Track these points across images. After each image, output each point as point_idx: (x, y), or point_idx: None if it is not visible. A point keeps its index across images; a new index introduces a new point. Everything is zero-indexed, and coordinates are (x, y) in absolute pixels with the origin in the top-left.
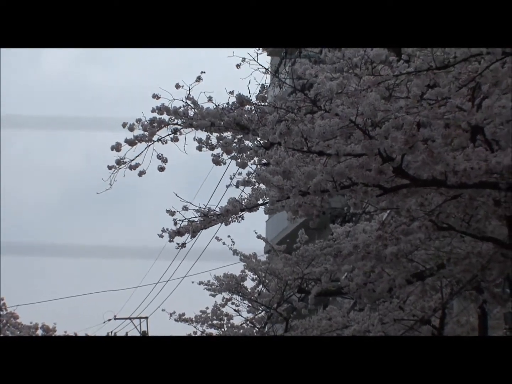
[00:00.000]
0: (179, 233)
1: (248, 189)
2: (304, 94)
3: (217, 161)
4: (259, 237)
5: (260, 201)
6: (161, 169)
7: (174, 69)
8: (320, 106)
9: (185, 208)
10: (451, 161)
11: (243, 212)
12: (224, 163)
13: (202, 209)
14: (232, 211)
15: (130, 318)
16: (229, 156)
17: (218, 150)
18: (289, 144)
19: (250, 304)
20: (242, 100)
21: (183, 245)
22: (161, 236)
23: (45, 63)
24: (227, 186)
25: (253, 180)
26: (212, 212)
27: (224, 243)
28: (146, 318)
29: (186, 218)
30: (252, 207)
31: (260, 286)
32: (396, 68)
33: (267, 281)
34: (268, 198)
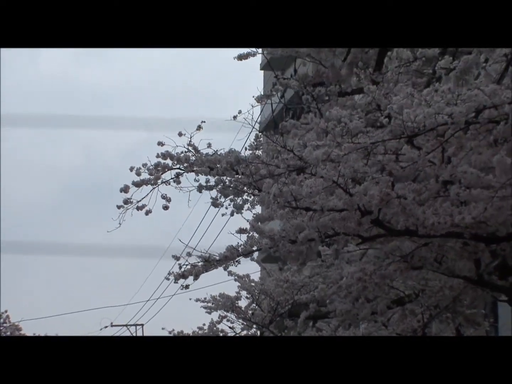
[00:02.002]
0: (183, 276)
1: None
2: (294, 154)
3: (215, 203)
4: (252, 259)
5: (255, 248)
6: (165, 207)
7: (169, 63)
8: (308, 170)
9: (189, 254)
10: (421, 215)
11: (239, 257)
12: (222, 205)
13: (203, 253)
14: (230, 257)
15: (126, 325)
16: (226, 199)
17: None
18: (281, 203)
19: (244, 323)
20: (238, 159)
21: (187, 286)
22: (167, 278)
23: (42, 61)
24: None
25: (248, 228)
26: (212, 258)
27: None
28: (142, 325)
29: (189, 263)
30: (247, 253)
31: (254, 305)
32: (372, 136)
33: (260, 299)
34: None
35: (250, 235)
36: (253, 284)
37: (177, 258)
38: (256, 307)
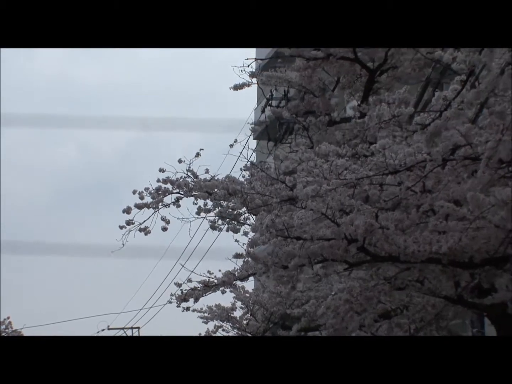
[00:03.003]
0: (185, 299)
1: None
2: (286, 185)
3: (213, 226)
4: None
5: (250, 272)
6: (164, 229)
7: (166, 61)
8: (298, 204)
9: (189, 280)
10: (402, 244)
11: (235, 281)
12: (220, 229)
13: (204, 276)
14: (227, 282)
15: (123, 328)
16: (223, 222)
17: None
18: (273, 234)
19: (239, 332)
20: (235, 190)
21: (188, 308)
22: (170, 302)
23: (37, 60)
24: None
25: (244, 253)
26: (211, 283)
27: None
28: (138, 328)
29: (190, 289)
30: (243, 278)
31: (248, 315)
32: (358, 171)
33: (254, 310)
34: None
35: (245, 260)
36: (247, 295)
37: (179, 285)
38: (251, 317)
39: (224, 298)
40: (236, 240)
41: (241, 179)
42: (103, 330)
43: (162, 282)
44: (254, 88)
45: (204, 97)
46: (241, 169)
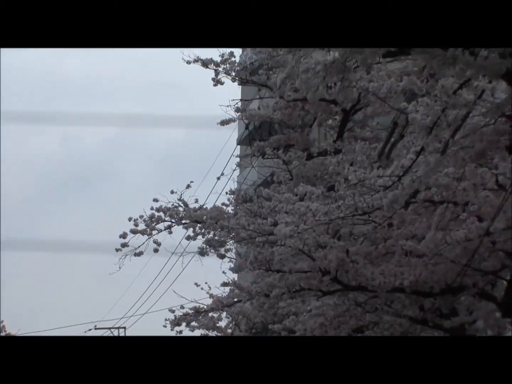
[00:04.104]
0: (178, 324)
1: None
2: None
3: (202, 253)
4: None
5: (236, 299)
6: (156, 250)
7: (149, 57)
8: (278, 242)
9: (182, 307)
10: (370, 276)
11: (224, 307)
12: (208, 255)
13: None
14: (215, 308)
15: (110, 328)
16: (211, 248)
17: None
18: (256, 267)
19: None
20: (222, 226)
21: (181, 332)
22: (164, 326)
23: (21, 55)
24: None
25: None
26: (202, 309)
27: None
28: (125, 328)
29: (183, 314)
30: (230, 305)
31: (233, 323)
32: (330, 214)
33: (238, 320)
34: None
35: (232, 288)
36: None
37: (172, 311)
38: (235, 326)
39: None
40: (224, 272)
41: (227, 202)
42: (90, 330)
43: (152, 282)
44: (235, 85)
45: (186, 92)
46: (227, 192)
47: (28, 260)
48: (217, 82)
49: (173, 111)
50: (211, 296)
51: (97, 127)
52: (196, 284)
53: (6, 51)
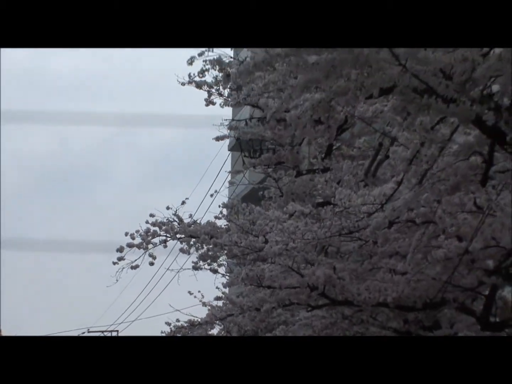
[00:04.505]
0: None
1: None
2: (257, 236)
3: (196, 267)
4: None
5: (229, 313)
6: (151, 263)
7: (143, 55)
8: (268, 259)
9: (178, 320)
10: (355, 292)
11: (217, 321)
12: (201, 269)
13: (191, 316)
14: (209, 322)
15: (102, 332)
16: (204, 263)
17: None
18: (247, 284)
19: None
20: (216, 244)
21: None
22: (162, 332)
23: (11, 53)
24: None
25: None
26: (196, 322)
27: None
28: (117, 331)
29: (178, 327)
30: (223, 318)
31: (225, 331)
32: (318, 233)
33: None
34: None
35: (224, 302)
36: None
37: (168, 324)
38: (227, 334)
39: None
40: (217, 287)
41: (220, 215)
42: (83, 333)
43: (143, 289)
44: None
45: (180, 92)
46: (219, 206)
47: (22, 260)
48: (209, 102)
49: (167, 111)
50: (204, 304)
51: (91, 126)
52: (189, 292)
53: None
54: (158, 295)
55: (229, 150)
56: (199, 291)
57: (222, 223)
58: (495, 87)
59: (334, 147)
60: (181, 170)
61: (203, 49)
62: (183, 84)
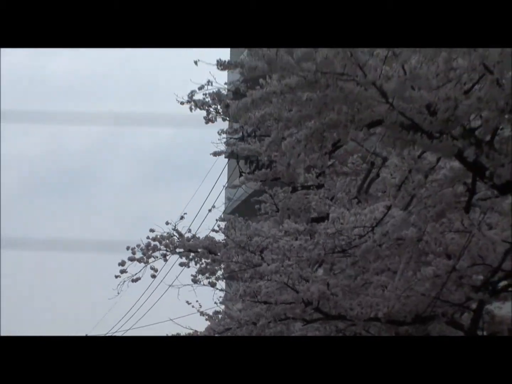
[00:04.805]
0: None
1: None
2: (254, 253)
3: (194, 280)
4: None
5: (227, 327)
6: (153, 276)
7: (137, 55)
8: (265, 278)
9: (178, 334)
10: (348, 307)
11: (215, 335)
12: (200, 282)
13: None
14: (208, 336)
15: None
16: (204, 276)
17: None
18: (245, 300)
19: None
20: (214, 259)
21: None
22: None
23: (6, 54)
24: None
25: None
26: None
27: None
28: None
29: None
30: (222, 332)
31: None
32: (312, 251)
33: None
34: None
35: (222, 316)
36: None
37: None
38: None
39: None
40: (215, 303)
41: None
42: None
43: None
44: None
45: (173, 91)
46: (216, 220)
47: (21, 259)
48: (208, 120)
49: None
50: (201, 314)
51: (89, 126)
52: (187, 302)
53: None
54: (154, 303)
55: (225, 157)
56: (196, 301)
57: (220, 237)
58: (477, 122)
59: (327, 165)
60: (179, 170)
61: (203, 83)
62: (182, 103)
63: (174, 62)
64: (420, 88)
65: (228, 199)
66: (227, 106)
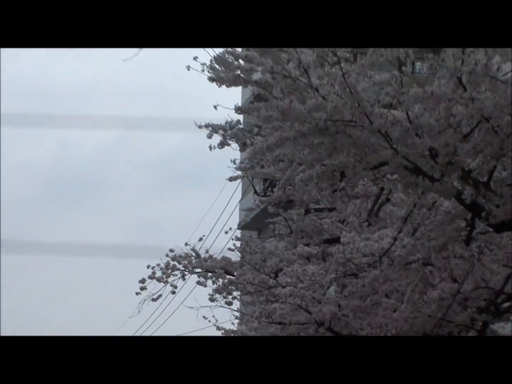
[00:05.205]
0: None
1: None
2: (269, 275)
3: (211, 299)
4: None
5: None
6: (173, 292)
7: (148, 59)
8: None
9: None
10: (359, 327)
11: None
12: (216, 300)
13: None
14: None
15: None
16: (220, 295)
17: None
18: (260, 322)
19: None
20: (230, 282)
21: None
22: None
23: (16, 59)
24: None
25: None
26: None
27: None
28: None
29: None
30: None
31: None
32: (324, 275)
33: None
34: None
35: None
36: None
37: None
38: None
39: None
40: (232, 323)
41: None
42: None
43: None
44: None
45: (187, 96)
46: (232, 239)
47: (26, 263)
48: (223, 144)
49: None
50: (218, 328)
51: (95, 130)
52: (204, 317)
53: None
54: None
55: (238, 169)
56: (213, 316)
57: (235, 256)
58: (475, 163)
59: (339, 189)
60: (189, 176)
61: (222, 123)
62: (200, 127)
63: (186, 64)
64: (423, 133)
65: (243, 211)
66: (244, 145)
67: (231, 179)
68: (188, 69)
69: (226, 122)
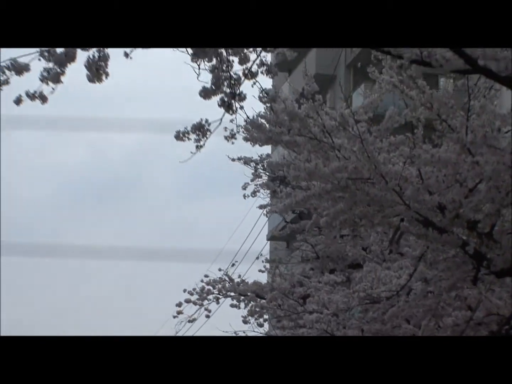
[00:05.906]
0: None
1: None
2: (298, 302)
3: (244, 321)
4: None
5: None
6: (207, 316)
7: (176, 63)
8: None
9: None
10: None
11: None
12: (250, 322)
13: None
14: None
15: None
16: (253, 318)
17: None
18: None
19: None
20: (261, 306)
21: None
22: None
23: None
24: None
25: None
26: None
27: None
28: None
29: None
30: None
31: None
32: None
33: None
34: None
35: None
36: None
37: None
38: None
39: None
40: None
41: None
42: None
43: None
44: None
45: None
46: (262, 261)
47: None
48: (256, 176)
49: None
50: None
51: (126, 134)
52: (235, 332)
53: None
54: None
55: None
56: (243, 332)
57: (265, 277)
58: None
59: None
60: (220, 179)
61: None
62: (233, 160)
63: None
64: (432, 191)
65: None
66: (274, 192)
67: (261, 206)
68: None
69: (258, 156)
